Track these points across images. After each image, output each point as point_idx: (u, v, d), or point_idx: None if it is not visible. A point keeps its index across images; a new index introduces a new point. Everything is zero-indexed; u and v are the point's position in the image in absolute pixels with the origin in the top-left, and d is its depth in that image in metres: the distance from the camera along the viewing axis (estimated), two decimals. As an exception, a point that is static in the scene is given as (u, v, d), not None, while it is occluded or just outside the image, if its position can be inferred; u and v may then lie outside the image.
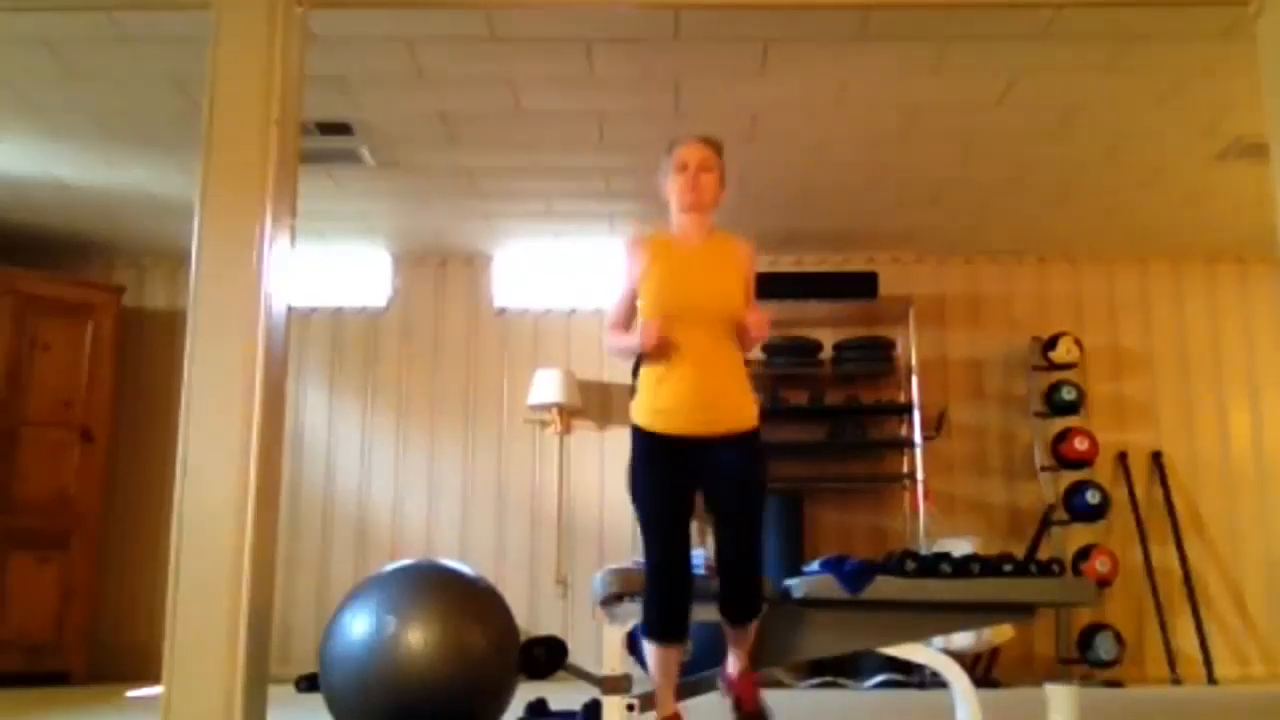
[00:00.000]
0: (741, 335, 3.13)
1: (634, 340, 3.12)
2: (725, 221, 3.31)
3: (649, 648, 3.08)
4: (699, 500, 3.12)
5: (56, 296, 6.18)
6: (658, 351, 3.07)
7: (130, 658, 6.25)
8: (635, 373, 3.26)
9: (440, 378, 6.86)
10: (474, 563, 5.10)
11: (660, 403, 3.09)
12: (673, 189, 3.21)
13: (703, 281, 3.13)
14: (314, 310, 6.89)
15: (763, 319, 3.12)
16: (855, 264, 6.83)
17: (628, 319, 3.22)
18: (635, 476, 3.15)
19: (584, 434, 6.75)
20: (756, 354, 6.22)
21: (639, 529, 3.12)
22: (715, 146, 3.24)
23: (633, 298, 3.19)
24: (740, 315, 3.11)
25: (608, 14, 4.17)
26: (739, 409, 3.12)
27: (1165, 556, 6.46)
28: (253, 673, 3.05)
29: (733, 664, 3.20)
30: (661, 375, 3.10)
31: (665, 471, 3.08)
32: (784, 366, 6.55)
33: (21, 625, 5.83)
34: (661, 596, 3.03)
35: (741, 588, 3.06)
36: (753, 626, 3.13)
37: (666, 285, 3.12)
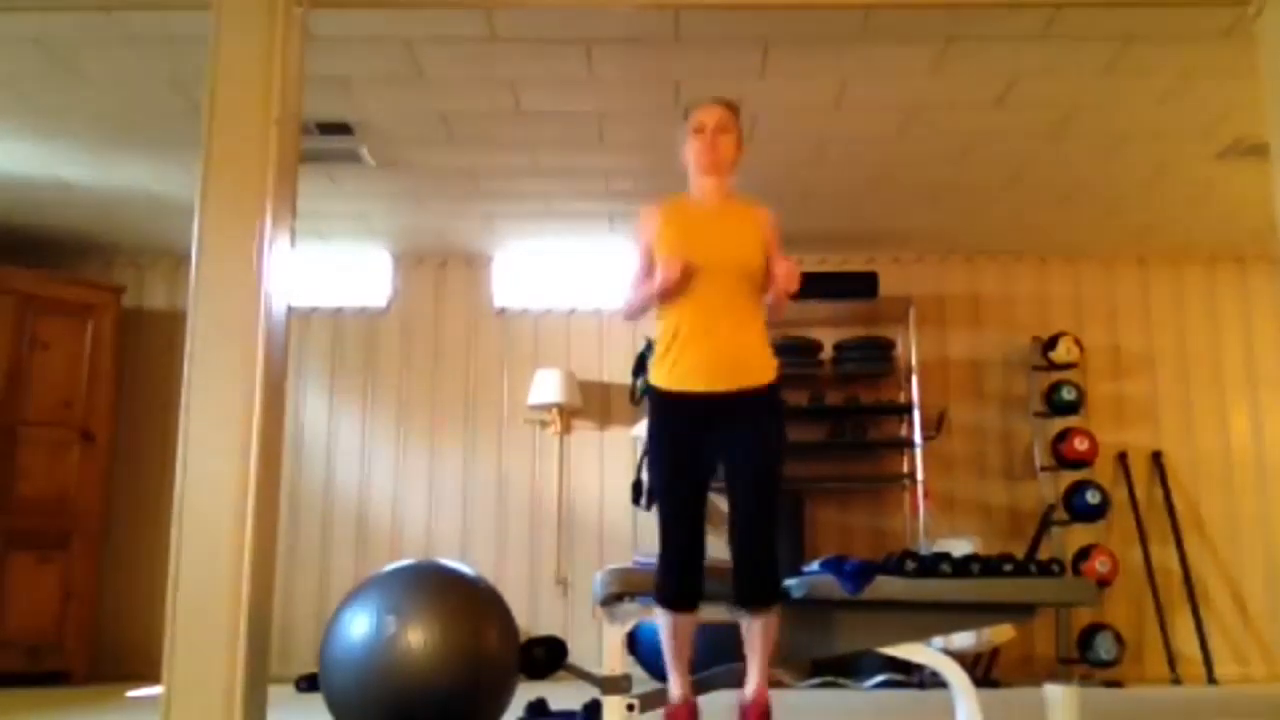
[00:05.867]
0: (770, 283, 3.08)
1: (654, 282, 3.05)
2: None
3: (661, 619, 3.03)
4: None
5: (56, 296, 6.17)
6: (681, 285, 3.02)
7: (130, 658, 6.25)
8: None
9: (440, 378, 6.86)
10: (474, 563, 5.11)
11: (677, 357, 3.06)
12: (690, 152, 3.17)
13: (718, 237, 3.09)
14: (314, 310, 6.89)
15: (792, 267, 3.06)
16: (855, 264, 6.83)
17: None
18: (652, 438, 3.12)
19: (584, 434, 6.74)
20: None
21: (657, 499, 3.07)
22: (732, 108, 3.20)
23: (650, 262, 3.12)
24: (759, 270, 3.07)
25: (608, 14, 4.17)
26: (757, 363, 3.10)
27: (1165, 556, 6.46)
28: (253, 673, 3.05)
29: (749, 686, 2.99)
30: (677, 331, 3.07)
31: (682, 433, 3.04)
32: (784, 366, 6.50)
33: (21, 625, 5.83)
34: (675, 562, 2.99)
35: (756, 561, 2.95)
36: (772, 624, 3.00)
37: (681, 241, 3.07)
